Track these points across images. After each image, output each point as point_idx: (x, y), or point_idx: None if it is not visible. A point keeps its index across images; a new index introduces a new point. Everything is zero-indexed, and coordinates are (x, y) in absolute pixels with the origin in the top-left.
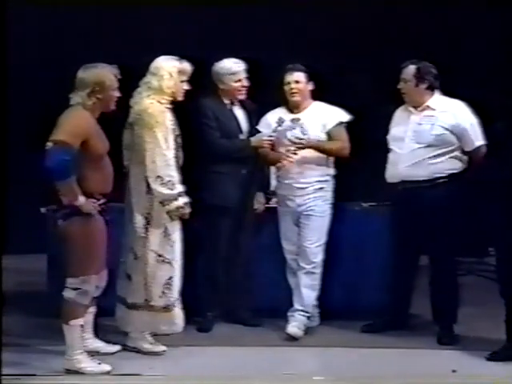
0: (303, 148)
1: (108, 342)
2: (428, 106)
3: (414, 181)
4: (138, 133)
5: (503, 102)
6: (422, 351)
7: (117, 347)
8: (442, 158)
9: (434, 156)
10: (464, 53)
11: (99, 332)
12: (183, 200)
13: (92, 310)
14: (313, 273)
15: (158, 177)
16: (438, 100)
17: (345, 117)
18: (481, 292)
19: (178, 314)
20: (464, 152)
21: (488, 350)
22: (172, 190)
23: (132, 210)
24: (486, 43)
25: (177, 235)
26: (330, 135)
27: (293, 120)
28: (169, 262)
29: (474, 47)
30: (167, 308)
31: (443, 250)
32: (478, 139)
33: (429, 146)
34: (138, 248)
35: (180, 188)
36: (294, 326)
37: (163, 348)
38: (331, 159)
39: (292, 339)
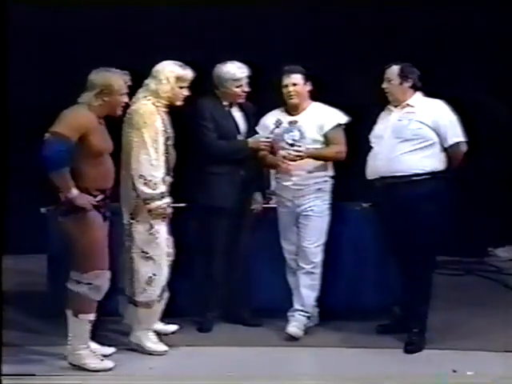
0: (302, 158)
1: (103, 344)
2: (408, 104)
3: (392, 176)
4: (126, 132)
5: (487, 102)
6: (422, 351)
7: (111, 349)
8: (420, 154)
9: (412, 151)
10: (453, 53)
11: (103, 333)
12: (165, 200)
13: None
14: (312, 273)
15: (141, 176)
16: (418, 98)
17: (343, 118)
18: (481, 292)
19: (157, 311)
20: (444, 150)
21: (488, 350)
22: (154, 189)
23: (122, 207)
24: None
25: (162, 233)
26: (327, 138)
27: (291, 122)
28: (152, 259)
29: (467, 48)
30: (147, 304)
31: (416, 249)
32: (457, 135)
33: (406, 140)
34: (125, 243)
35: (162, 188)
36: (294, 326)
37: (165, 348)
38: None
39: (292, 339)
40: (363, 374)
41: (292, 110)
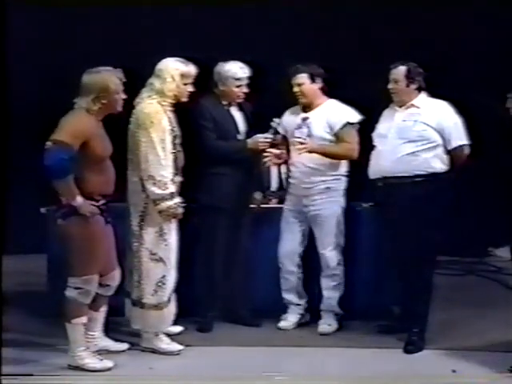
0: (308, 152)
1: (117, 340)
2: (413, 105)
3: (395, 177)
4: (133, 132)
5: (490, 104)
6: (422, 351)
7: (126, 345)
8: (424, 155)
9: (416, 152)
10: (455, 54)
11: (112, 332)
12: (175, 200)
13: (103, 309)
14: (333, 275)
15: (150, 176)
16: (423, 99)
17: (354, 117)
18: (481, 292)
19: (168, 313)
20: (447, 152)
21: (488, 350)
22: (164, 190)
23: (129, 208)
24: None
25: (172, 235)
26: (338, 137)
27: (303, 119)
28: (162, 261)
29: (467, 48)
30: (158, 306)
31: (417, 249)
32: (460, 138)
33: (410, 141)
34: (134, 245)
35: (172, 188)
36: (286, 320)
37: (180, 347)
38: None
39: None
40: (363, 374)
41: (305, 107)
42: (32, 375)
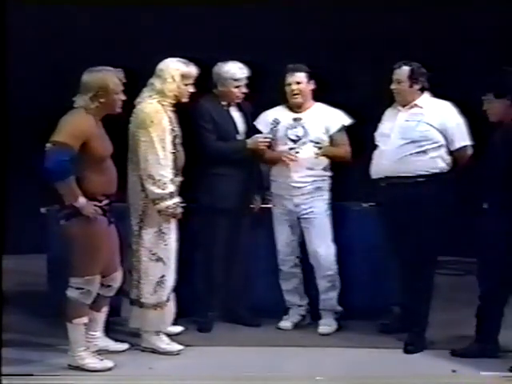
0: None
1: (117, 340)
2: (416, 105)
3: (398, 177)
4: (133, 132)
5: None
6: (422, 351)
7: (126, 345)
8: (426, 156)
9: (418, 152)
10: (456, 54)
11: (112, 332)
12: (174, 200)
13: (105, 309)
14: (328, 275)
15: (150, 176)
16: (426, 99)
17: (347, 120)
18: None
19: (168, 312)
20: (450, 153)
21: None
22: (163, 189)
23: (129, 208)
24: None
25: (172, 234)
26: (332, 139)
27: (295, 119)
28: (162, 260)
29: (467, 49)
30: (157, 306)
31: (418, 249)
32: (464, 139)
33: (413, 141)
34: (133, 245)
35: (171, 188)
36: (287, 321)
37: (180, 347)
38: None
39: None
40: (363, 373)
41: (295, 107)
42: (32, 375)
